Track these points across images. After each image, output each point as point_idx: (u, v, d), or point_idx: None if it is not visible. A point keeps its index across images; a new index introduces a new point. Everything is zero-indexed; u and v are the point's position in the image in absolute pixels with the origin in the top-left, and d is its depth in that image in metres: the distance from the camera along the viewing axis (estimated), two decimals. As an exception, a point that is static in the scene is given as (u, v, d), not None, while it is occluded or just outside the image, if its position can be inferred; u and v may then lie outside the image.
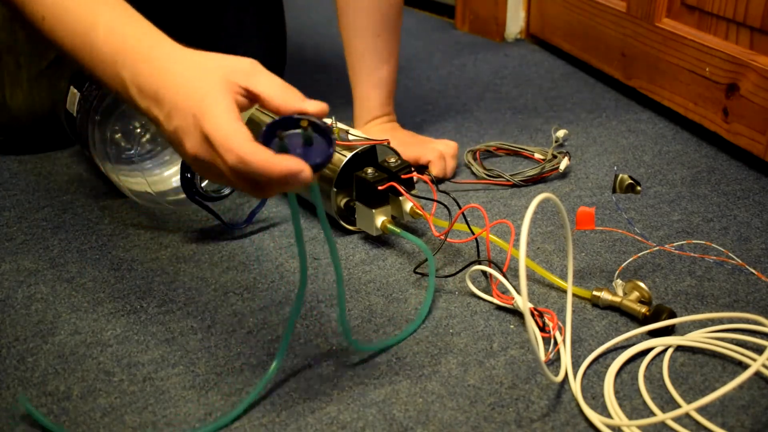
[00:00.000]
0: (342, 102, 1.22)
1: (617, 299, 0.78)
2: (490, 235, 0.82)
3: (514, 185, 1.04)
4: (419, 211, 0.86)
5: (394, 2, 1.04)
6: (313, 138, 0.58)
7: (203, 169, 0.60)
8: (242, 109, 0.59)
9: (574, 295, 0.80)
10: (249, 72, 0.59)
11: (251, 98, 0.59)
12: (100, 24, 0.63)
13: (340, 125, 0.93)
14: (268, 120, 1.00)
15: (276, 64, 1.28)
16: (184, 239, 0.92)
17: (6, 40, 1.05)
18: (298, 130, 0.58)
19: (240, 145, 0.54)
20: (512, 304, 0.77)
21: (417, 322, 0.77)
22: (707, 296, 0.80)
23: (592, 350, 0.72)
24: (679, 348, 0.73)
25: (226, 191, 0.91)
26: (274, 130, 0.57)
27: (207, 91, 0.57)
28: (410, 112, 1.28)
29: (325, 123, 0.59)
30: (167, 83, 0.58)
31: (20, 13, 0.69)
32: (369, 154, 0.90)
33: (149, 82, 0.59)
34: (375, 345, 0.74)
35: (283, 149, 0.57)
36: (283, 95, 0.58)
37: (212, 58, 0.60)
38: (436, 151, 1.03)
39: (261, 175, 0.55)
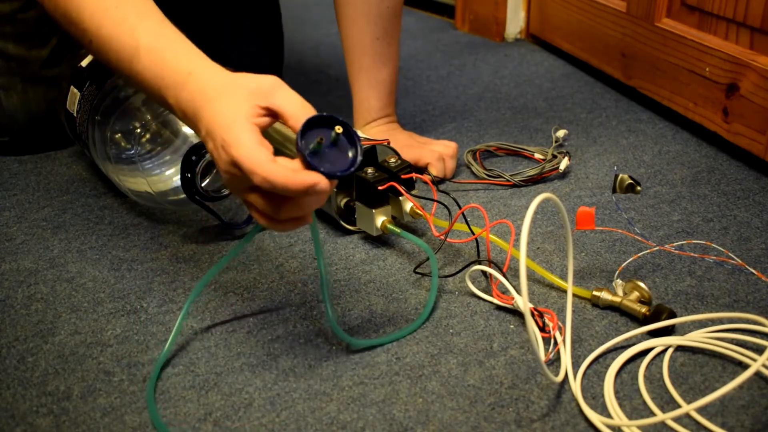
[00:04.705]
0: (342, 102, 1.22)
1: (617, 299, 0.78)
2: (490, 235, 0.82)
3: (514, 185, 1.03)
4: (419, 211, 0.86)
5: (393, 5, 1.04)
6: (340, 143, 0.63)
7: (234, 188, 0.65)
8: (266, 126, 0.64)
9: (574, 295, 0.80)
10: (269, 91, 0.63)
11: (273, 115, 0.64)
12: (140, 49, 0.68)
13: (340, 125, 0.93)
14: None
15: (273, 65, 1.28)
16: (184, 239, 0.92)
17: None
18: (331, 133, 0.62)
19: (262, 166, 0.60)
20: (512, 304, 0.77)
21: (419, 320, 0.77)
22: (707, 296, 0.80)
23: (592, 350, 0.72)
24: (679, 348, 0.73)
25: (226, 191, 0.91)
26: (311, 130, 0.62)
27: (233, 118, 0.62)
28: (410, 112, 1.28)
29: (355, 131, 0.64)
30: (203, 108, 0.64)
31: (70, 33, 0.76)
32: (369, 154, 0.90)
33: (189, 106, 0.65)
34: (381, 339, 0.74)
35: (315, 151, 0.62)
36: (301, 111, 0.63)
37: (239, 81, 0.64)
38: (434, 153, 1.03)
39: (284, 190, 0.60)
